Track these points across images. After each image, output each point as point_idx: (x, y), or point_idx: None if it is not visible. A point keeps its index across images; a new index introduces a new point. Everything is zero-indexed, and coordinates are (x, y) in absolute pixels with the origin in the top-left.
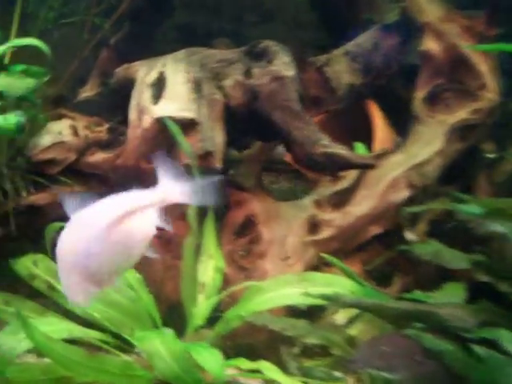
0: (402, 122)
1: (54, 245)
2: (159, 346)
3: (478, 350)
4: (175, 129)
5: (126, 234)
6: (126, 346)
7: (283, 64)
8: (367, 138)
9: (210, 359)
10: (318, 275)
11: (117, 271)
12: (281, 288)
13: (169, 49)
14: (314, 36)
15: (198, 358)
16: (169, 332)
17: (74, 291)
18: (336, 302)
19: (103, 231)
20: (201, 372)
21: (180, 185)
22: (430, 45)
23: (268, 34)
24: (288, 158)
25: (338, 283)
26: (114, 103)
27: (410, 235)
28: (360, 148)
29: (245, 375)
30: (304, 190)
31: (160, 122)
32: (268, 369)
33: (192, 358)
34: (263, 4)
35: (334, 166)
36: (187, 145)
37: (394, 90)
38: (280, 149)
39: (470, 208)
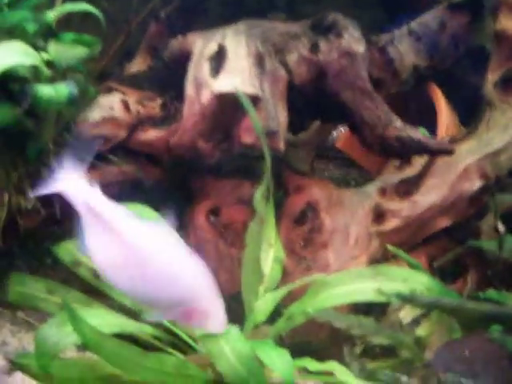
0: (467, 108)
1: None
2: (223, 345)
3: None
4: (246, 102)
5: None
6: (179, 342)
7: (354, 39)
8: (429, 123)
9: (278, 360)
10: (393, 269)
11: None
12: (351, 282)
13: (218, 24)
14: (372, 14)
15: (264, 358)
16: (234, 330)
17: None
18: (412, 301)
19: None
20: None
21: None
22: (507, 24)
23: (321, 11)
24: (339, 144)
25: (414, 279)
26: (167, 77)
27: (501, 226)
28: (423, 132)
29: (309, 377)
30: (356, 179)
31: (220, 98)
32: (339, 371)
33: (258, 359)
34: None
35: (407, 151)
36: (258, 121)
37: (459, 74)
38: (333, 134)
39: None
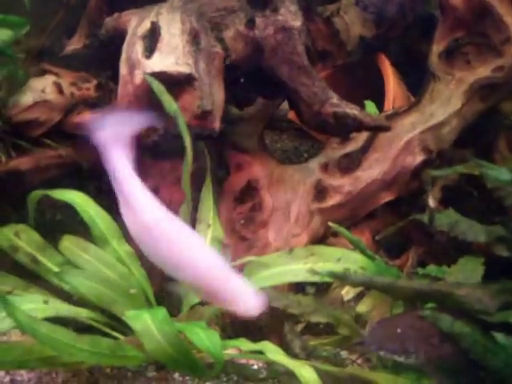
0: (417, 79)
1: (38, 213)
2: (151, 325)
3: (498, 336)
4: (158, 87)
5: None
6: (117, 324)
7: (290, 13)
8: (378, 95)
9: (206, 340)
10: (326, 249)
11: None
12: (285, 263)
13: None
14: None
15: (193, 338)
16: (161, 310)
17: None
18: (345, 280)
19: None
20: (199, 353)
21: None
22: None
23: None
24: (292, 115)
25: (347, 258)
26: (104, 57)
27: (432, 201)
28: (370, 106)
29: (246, 356)
30: (309, 150)
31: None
32: (270, 350)
33: (186, 339)
34: None
35: (344, 128)
36: (172, 104)
37: (408, 44)
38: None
39: (501, 174)
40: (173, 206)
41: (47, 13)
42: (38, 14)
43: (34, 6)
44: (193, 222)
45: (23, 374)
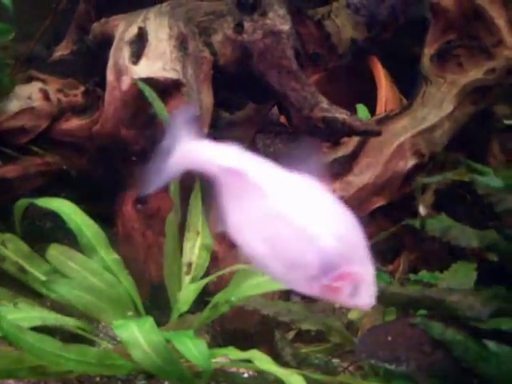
0: (409, 82)
1: (24, 223)
2: (137, 334)
3: (489, 344)
4: (150, 93)
5: None
6: (105, 333)
7: (278, 17)
8: (371, 98)
9: (194, 350)
10: None
11: None
12: None
13: (153, 2)
14: None
15: (180, 348)
16: (148, 320)
17: None
18: None
19: None
20: (188, 362)
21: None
22: None
23: None
24: (284, 119)
25: None
26: (91, 63)
27: (422, 209)
28: (362, 110)
29: (235, 364)
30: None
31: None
32: (259, 359)
33: (174, 348)
34: None
35: (333, 133)
36: (164, 111)
37: (400, 46)
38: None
39: (491, 181)
40: (161, 214)
41: (35, 19)
42: (27, 19)
43: (22, 12)
44: (181, 230)
45: None
